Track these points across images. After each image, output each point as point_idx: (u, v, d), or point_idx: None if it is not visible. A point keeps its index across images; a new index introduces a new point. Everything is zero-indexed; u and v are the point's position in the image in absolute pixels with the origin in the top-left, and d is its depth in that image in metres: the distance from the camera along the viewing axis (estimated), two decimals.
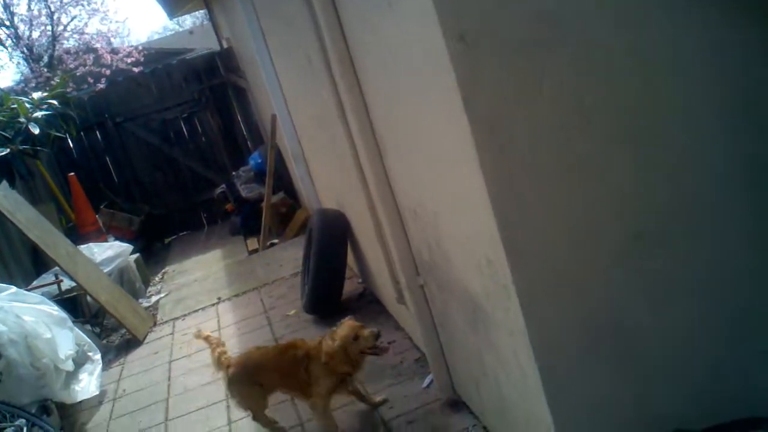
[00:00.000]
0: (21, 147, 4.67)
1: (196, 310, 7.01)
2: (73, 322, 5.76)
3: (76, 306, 6.57)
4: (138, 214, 10.26)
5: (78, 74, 13.24)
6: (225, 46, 11.57)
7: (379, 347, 3.68)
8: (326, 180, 6.23)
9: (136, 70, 12.46)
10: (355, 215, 5.16)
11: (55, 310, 5.56)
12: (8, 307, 5.09)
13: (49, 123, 4.78)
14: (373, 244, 4.56)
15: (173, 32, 29.38)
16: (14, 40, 15.10)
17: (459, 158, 2.41)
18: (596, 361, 2.44)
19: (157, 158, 11.11)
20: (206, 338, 4.15)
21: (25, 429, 4.29)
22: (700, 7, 2.32)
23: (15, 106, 4.80)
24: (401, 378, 4.28)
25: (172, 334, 6.57)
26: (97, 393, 5.34)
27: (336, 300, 5.63)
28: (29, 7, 15.10)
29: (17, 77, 13.91)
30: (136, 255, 8.32)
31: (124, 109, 10.90)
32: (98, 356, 5.66)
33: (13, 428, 4.25)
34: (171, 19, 19.83)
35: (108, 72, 13.26)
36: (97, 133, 10.94)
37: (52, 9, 15.17)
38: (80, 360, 5.49)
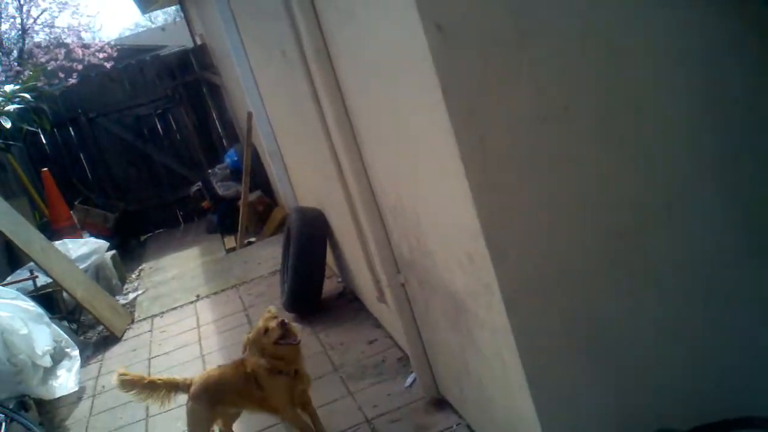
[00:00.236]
0: None
1: (175, 308, 7.01)
2: (50, 318, 5.74)
3: (52, 302, 6.53)
4: (113, 210, 10.20)
5: (49, 68, 13.08)
6: (198, 42, 11.53)
7: (289, 337, 3.53)
8: (304, 178, 6.25)
9: (108, 65, 12.36)
10: (334, 213, 5.19)
11: (31, 305, 5.54)
12: None
13: (21, 117, 4.73)
14: (352, 242, 4.58)
15: (145, 29, 29.06)
16: None
17: (439, 151, 2.42)
18: (578, 358, 2.47)
19: (131, 154, 11.05)
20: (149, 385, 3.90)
21: (3, 424, 4.28)
22: None
23: None
24: (383, 377, 4.31)
25: (150, 331, 6.56)
26: (76, 389, 5.33)
27: (316, 298, 5.66)
28: None
29: None
30: (113, 252, 8.29)
31: (97, 104, 10.82)
32: (76, 352, 5.64)
33: None
34: (144, 14, 19.63)
35: (80, 67, 13.12)
36: (70, 128, 10.86)
37: (22, 1, 14.96)
38: (58, 356, 5.48)
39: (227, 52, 7.33)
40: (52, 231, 8.48)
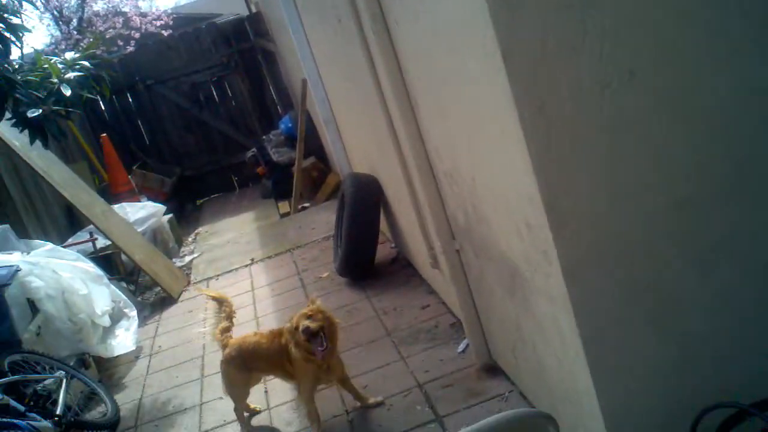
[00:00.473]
0: (53, 108, 4.69)
1: (230, 271, 7.11)
2: (109, 279, 5.87)
3: (110, 264, 6.69)
4: (170, 175, 10.37)
5: (107, 37, 13.25)
6: (253, 10, 11.55)
7: (316, 342, 3.53)
8: (358, 144, 6.24)
9: (165, 33, 12.48)
10: (388, 180, 5.18)
11: (91, 267, 5.68)
12: (45, 262, 5.20)
13: (81, 84, 4.79)
14: (406, 209, 4.57)
15: None
16: (44, 2, 15.12)
17: (498, 117, 2.37)
18: (638, 328, 2.42)
19: (187, 121, 11.19)
20: (220, 301, 4.13)
21: (64, 380, 4.40)
22: None
23: (47, 66, 4.82)
24: (436, 342, 4.31)
25: None
26: (134, 348, 5.48)
27: (369, 263, 5.68)
28: None
29: (47, 40, 13.93)
30: (169, 215, 8.42)
31: (155, 72, 10.97)
32: (134, 313, 5.78)
33: (53, 379, 4.37)
34: None
35: (137, 35, 13.27)
36: (128, 95, 11.05)
37: None
38: (116, 316, 5.62)
39: (282, 19, 7.31)
40: (110, 195, 8.66)
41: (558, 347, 2.66)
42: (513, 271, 2.89)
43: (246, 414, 4.13)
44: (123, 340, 5.45)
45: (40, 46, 15.13)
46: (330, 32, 5.10)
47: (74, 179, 7.15)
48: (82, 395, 4.79)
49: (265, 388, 4.35)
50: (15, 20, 4.56)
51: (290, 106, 10.57)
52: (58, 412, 4.06)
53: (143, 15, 14.96)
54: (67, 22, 15.17)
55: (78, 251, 6.20)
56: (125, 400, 4.91)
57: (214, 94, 11.24)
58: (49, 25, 16.30)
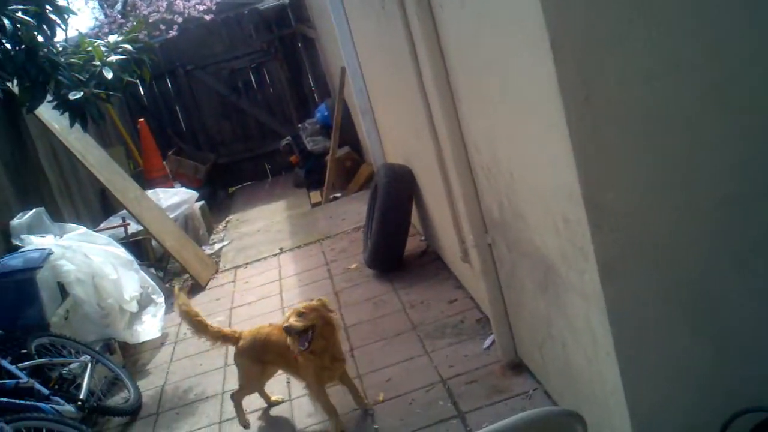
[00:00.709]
0: (94, 91, 4.69)
1: (258, 260, 7.06)
2: (138, 264, 5.85)
3: (140, 249, 6.67)
4: (204, 162, 10.36)
5: (150, 21, 13.32)
6: None
7: (294, 345, 3.52)
8: (394, 135, 6.15)
9: (207, 18, 12.49)
10: (423, 171, 5.08)
11: (122, 252, 5.67)
12: (77, 246, 5.19)
13: (123, 67, 4.80)
14: (439, 201, 4.48)
15: None
16: None
17: (542, 108, 2.29)
18: (675, 329, 2.32)
19: (225, 107, 11.16)
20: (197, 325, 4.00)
21: (89, 365, 4.40)
22: None
23: (90, 49, 4.82)
24: (462, 337, 4.22)
25: (234, 281, 6.62)
26: (159, 335, 5.46)
27: (398, 255, 5.58)
28: None
29: (91, 23, 14.06)
30: (201, 202, 8.41)
31: (195, 57, 10.95)
32: (162, 299, 5.75)
33: (78, 363, 4.36)
34: None
35: (180, 19, 13.32)
36: (167, 80, 11.05)
37: None
38: (144, 302, 5.60)
39: (324, 5, 7.22)
40: (144, 180, 8.66)
41: (588, 346, 2.57)
42: (546, 267, 2.79)
43: (266, 404, 4.09)
44: (149, 327, 5.42)
45: (84, 30, 15.27)
46: (372, 18, 5.02)
47: (110, 163, 7.16)
48: (106, 380, 4.78)
49: (288, 378, 4.28)
50: (61, 2, 4.56)
51: (327, 95, 10.50)
52: (81, 396, 4.07)
53: None
54: (112, 6, 15.28)
55: (110, 236, 6.20)
56: (148, 386, 4.88)
57: (253, 80, 11.19)
58: (94, 8, 16.46)
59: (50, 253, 4.84)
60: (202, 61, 10.97)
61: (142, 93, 10.99)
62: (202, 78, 11.03)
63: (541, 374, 3.48)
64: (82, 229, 5.76)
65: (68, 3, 4.59)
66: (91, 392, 4.24)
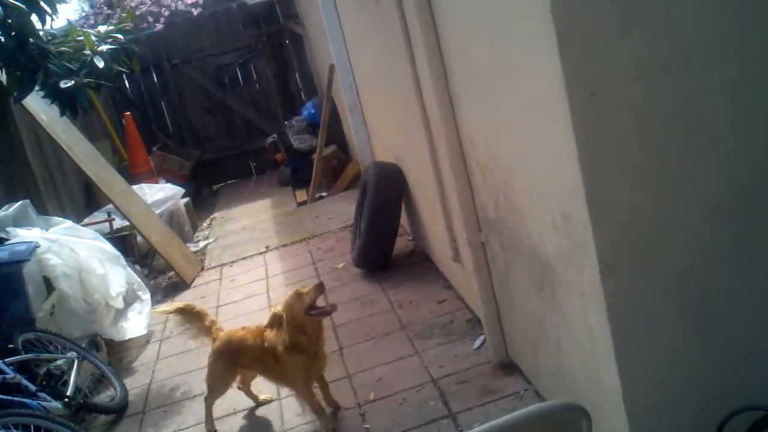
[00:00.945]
0: (85, 80, 4.64)
1: (244, 258, 7.00)
2: (125, 260, 5.79)
3: (126, 245, 6.59)
4: (189, 158, 10.28)
5: (137, 13, 13.19)
6: None
7: (326, 307, 3.55)
8: (383, 132, 6.12)
9: (195, 12, 12.39)
10: (414, 169, 5.05)
11: (108, 247, 5.59)
12: (63, 240, 5.13)
13: (114, 57, 4.77)
14: (431, 199, 4.46)
15: None
16: None
17: (545, 103, 2.28)
18: (676, 327, 2.32)
19: (210, 103, 11.05)
20: (189, 314, 4.07)
21: (76, 362, 4.35)
22: None
23: (81, 38, 4.75)
24: (451, 337, 4.21)
25: (219, 279, 6.58)
26: (145, 332, 5.39)
27: (387, 255, 5.56)
28: None
29: (76, 16, 13.91)
30: (186, 199, 8.33)
31: (181, 51, 10.83)
32: (147, 296, 5.69)
33: (64, 360, 4.30)
34: None
35: (167, 13, 13.20)
36: (153, 74, 10.93)
37: None
38: (129, 299, 5.53)
39: (315, 1, 7.16)
40: (129, 175, 8.57)
41: (585, 345, 2.56)
42: (543, 265, 2.78)
43: (254, 404, 4.07)
44: (135, 324, 5.36)
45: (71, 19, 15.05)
46: (366, 14, 4.99)
47: (96, 156, 7.07)
48: (92, 378, 4.71)
49: None
50: None
51: (314, 92, 10.45)
52: (68, 393, 4.02)
53: None
54: None
55: (95, 231, 6.12)
56: (134, 384, 4.82)
57: (239, 76, 11.11)
58: None
59: (37, 246, 4.77)
60: (188, 55, 10.86)
61: (128, 86, 10.88)
62: (188, 72, 10.93)
63: (533, 374, 3.47)
64: (68, 223, 5.69)
65: None
66: (77, 389, 4.18)
